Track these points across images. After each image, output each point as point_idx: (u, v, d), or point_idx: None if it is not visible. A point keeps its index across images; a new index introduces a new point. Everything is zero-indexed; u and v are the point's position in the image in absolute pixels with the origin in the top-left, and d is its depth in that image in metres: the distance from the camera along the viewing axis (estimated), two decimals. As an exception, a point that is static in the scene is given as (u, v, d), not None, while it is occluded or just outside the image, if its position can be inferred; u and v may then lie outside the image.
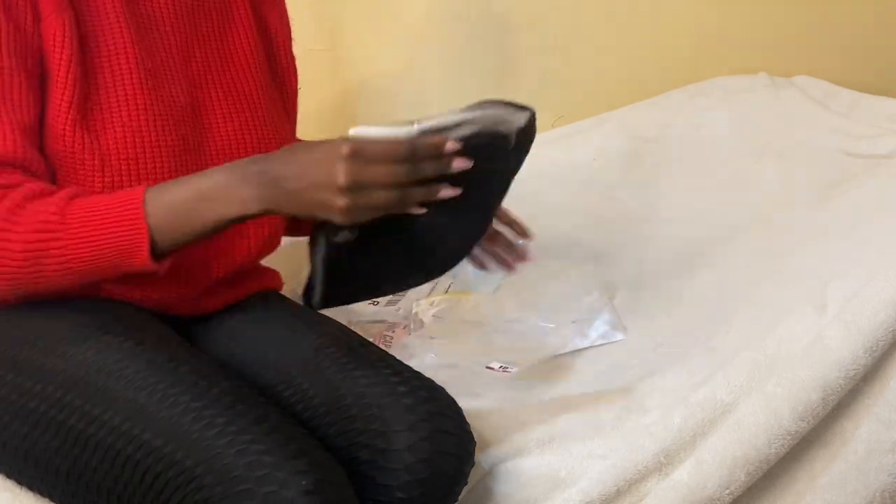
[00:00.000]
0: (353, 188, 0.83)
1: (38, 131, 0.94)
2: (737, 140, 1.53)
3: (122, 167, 0.95)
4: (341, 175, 0.83)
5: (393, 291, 0.95)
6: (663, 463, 1.00)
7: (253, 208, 0.86)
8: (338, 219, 0.85)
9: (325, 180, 0.84)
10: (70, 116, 0.93)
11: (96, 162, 0.94)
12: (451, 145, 0.86)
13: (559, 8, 1.71)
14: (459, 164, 0.86)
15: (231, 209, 0.87)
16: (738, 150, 1.51)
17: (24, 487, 0.93)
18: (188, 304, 1.06)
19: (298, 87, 1.22)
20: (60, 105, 0.93)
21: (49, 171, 0.94)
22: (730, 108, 1.58)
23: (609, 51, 1.71)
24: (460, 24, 1.73)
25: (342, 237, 0.90)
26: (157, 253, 0.88)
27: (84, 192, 0.91)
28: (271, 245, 1.14)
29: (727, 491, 0.98)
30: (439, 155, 0.86)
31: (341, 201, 0.84)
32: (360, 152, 0.83)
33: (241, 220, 0.88)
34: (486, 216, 1.01)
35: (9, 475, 0.93)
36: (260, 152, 1.05)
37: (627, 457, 1.00)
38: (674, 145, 1.58)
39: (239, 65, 1.09)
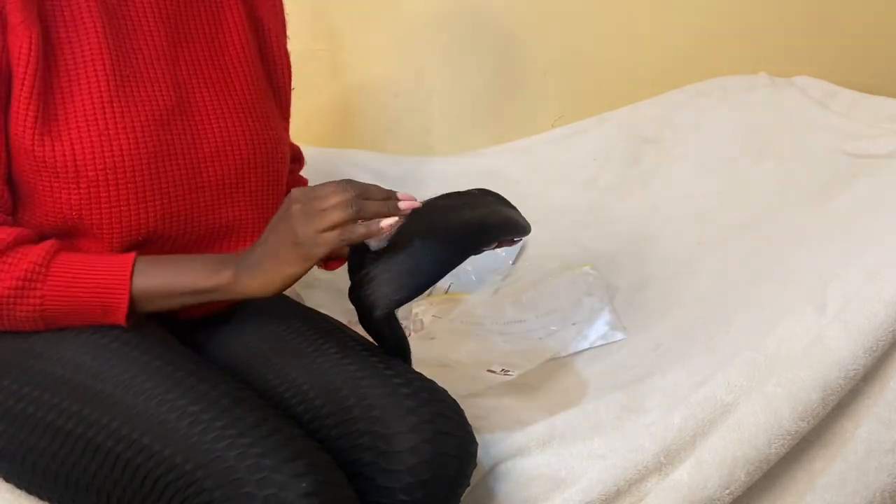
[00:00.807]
0: (305, 221, 0.88)
1: (5, 162, 0.94)
2: (737, 140, 1.53)
3: (99, 177, 0.94)
4: (291, 217, 0.89)
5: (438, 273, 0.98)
6: (663, 463, 1.00)
7: (226, 276, 0.92)
8: (308, 248, 0.88)
9: (285, 225, 0.89)
10: (36, 131, 0.92)
11: (70, 174, 0.93)
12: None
13: (559, 8, 1.71)
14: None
15: (205, 279, 0.92)
16: (737, 150, 1.51)
17: (23, 491, 0.93)
18: (186, 307, 1.06)
19: (293, 86, 1.22)
20: (25, 120, 0.92)
21: (13, 204, 0.96)
22: (730, 108, 1.58)
23: (609, 51, 1.71)
24: (460, 24, 1.73)
25: (373, 247, 0.94)
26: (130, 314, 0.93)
27: (66, 246, 0.94)
28: None
29: (727, 491, 0.98)
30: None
31: (301, 231, 0.88)
32: (296, 199, 0.90)
33: (216, 291, 0.93)
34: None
35: (7, 479, 0.93)
36: (252, 149, 1.05)
37: (627, 457, 1.00)
38: (674, 145, 1.58)
39: (230, 61, 1.08)
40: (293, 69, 1.20)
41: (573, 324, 1.36)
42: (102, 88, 0.96)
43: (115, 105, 0.96)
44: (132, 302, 0.92)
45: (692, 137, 1.58)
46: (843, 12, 1.60)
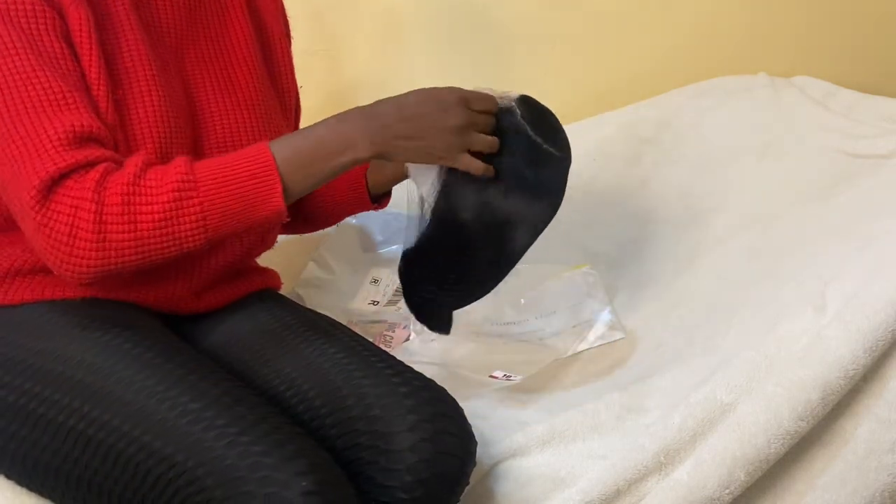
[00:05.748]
0: (462, 130, 0.97)
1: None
2: (736, 140, 1.53)
3: (151, 152, 0.95)
4: (455, 118, 0.97)
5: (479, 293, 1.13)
6: (663, 463, 1.00)
7: (364, 153, 0.95)
8: (444, 157, 0.98)
9: (439, 124, 0.96)
10: (110, 98, 0.93)
11: (130, 146, 0.94)
12: None
13: (559, 8, 1.71)
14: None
15: (345, 156, 0.94)
16: (737, 150, 1.51)
17: (24, 488, 0.93)
18: (186, 303, 1.06)
19: (300, 84, 1.22)
20: (98, 88, 0.93)
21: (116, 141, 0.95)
22: (730, 108, 1.57)
23: (609, 51, 1.71)
24: (460, 25, 1.73)
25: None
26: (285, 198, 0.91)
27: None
28: (266, 242, 1.14)
29: (727, 491, 0.98)
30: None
31: (451, 140, 0.97)
32: (469, 101, 0.98)
33: (356, 164, 0.95)
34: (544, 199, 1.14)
35: (9, 476, 0.94)
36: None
37: (627, 457, 1.00)
38: (674, 146, 1.58)
39: (235, 62, 1.09)
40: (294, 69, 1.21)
41: (573, 325, 1.36)
42: (148, 73, 0.97)
43: (155, 93, 0.97)
44: (283, 183, 0.90)
45: (692, 138, 1.58)
46: (843, 12, 1.60)
